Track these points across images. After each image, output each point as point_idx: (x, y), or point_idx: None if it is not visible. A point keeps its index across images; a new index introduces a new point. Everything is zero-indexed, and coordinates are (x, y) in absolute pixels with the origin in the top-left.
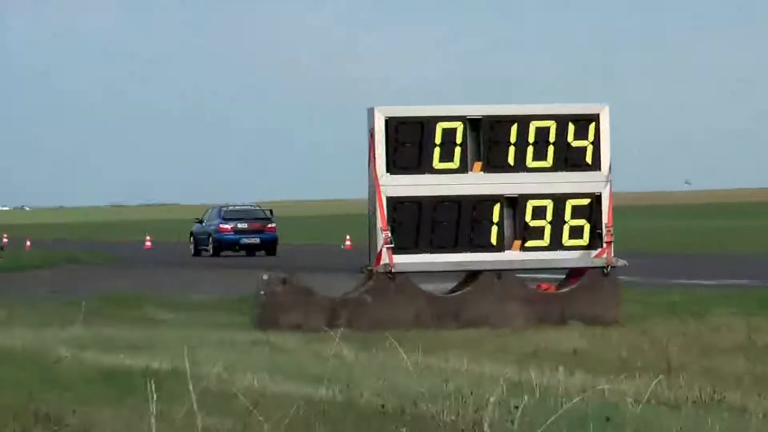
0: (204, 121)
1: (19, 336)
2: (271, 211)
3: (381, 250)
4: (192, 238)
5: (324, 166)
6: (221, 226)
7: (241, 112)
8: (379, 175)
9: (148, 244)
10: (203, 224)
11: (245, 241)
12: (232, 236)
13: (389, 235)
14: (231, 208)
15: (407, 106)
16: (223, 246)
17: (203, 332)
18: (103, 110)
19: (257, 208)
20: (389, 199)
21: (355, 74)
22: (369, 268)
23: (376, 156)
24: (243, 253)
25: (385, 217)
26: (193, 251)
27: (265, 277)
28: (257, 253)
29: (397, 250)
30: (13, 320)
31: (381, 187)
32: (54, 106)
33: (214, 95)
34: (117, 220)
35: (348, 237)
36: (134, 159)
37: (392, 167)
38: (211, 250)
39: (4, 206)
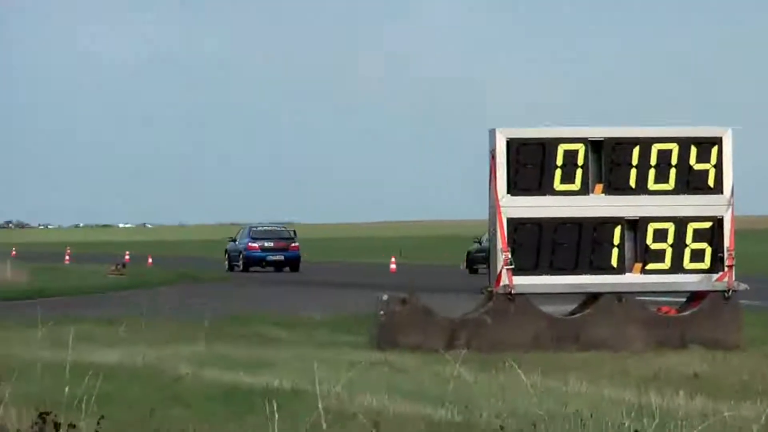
0: (321, 140)
1: (141, 353)
2: (294, 232)
3: (501, 271)
4: (227, 255)
5: (445, 187)
6: (250, 244)
7: (363, 133)
8: (500, 197)
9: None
10: (236, 242)
11: (271, 258)
12: (259, 254)
13: (509, 256)
14: (259, 228)
15: (529, 128)
16: (251, 262)
17: (321, 351)
18: (222, 128)
19: (283, 228)
20: (510, 221)
21: (476, 95)
22: (489, 289)
23: (497, 177)
24: (271, 269)
25: (506, 238)
26: (227, 267)
27: (384, 297)
28: (284, 269)
29: (517, 271)
30: (135, 337)
31: (501, 209)
32: (173, 127)
33: (333, 115)
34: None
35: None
36: (258, 178)
37: (513, 188)
38: (242, 266)
39: (127, 224)
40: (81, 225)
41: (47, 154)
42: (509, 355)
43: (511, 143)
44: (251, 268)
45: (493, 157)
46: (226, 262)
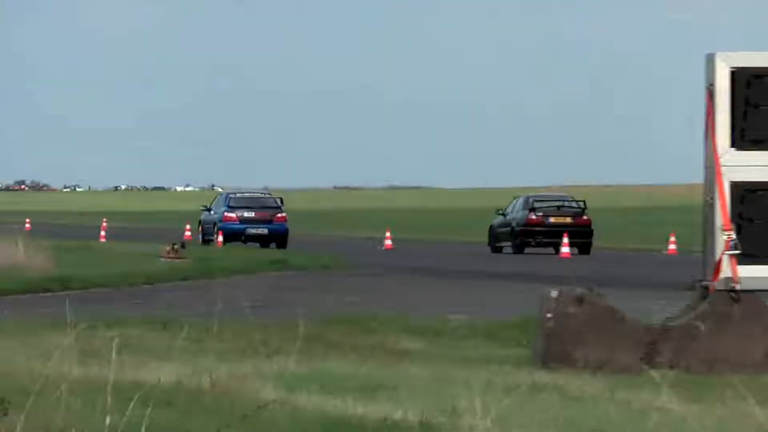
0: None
1: (208, 369)
2: (281, 199)
3: (720, 259)
4: (200, 227)
5: (644, 142)
6: (226, 214)
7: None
8: (719, 153)
9: (388, 243)
10: (211, 212)
11: (252, 231)
12: (237, 226)
13: (733, 237)
14: (238, 195)
15: (765, 51)
16: (229, 236)
17: (462, 369)
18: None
19: (267, 195)
20: (734, 186)
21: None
22: (703, 283)
23: (716, 124)
24: (256, 244)
25: (728, 211)
26: (201, 240)
27: (553, 294)
28: (270, 245)
29: (745, 259)
30: (200, 347)
31: (722, 169)
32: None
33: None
34: (346, 207)
35: (672, 238)
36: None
37: (740, 141)
38: (217, 241)
39: (188, 186)
40: (122, 187)
41: (74, 93)
42: (734, 378)
43: (737, 75)
44: (228, 243)
45: (710, 94)
46: (200, 236)
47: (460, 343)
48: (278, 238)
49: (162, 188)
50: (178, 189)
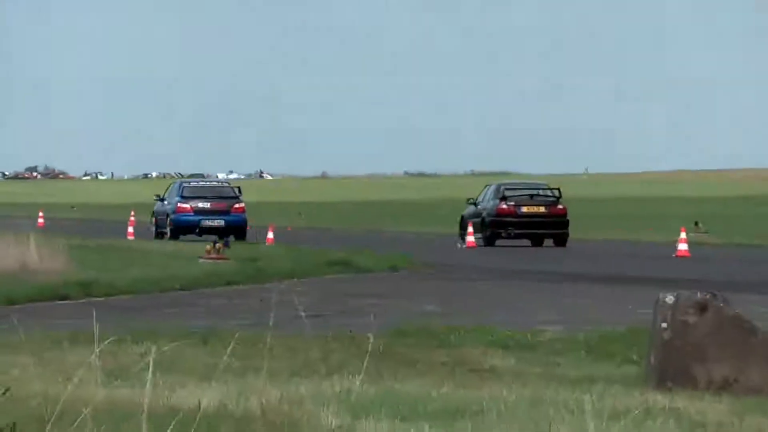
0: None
1: (257, 390)
2: (239, 189)
3: None
4: (153, 219)
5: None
6: (180, 205)
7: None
8: None
9: (471, 239)
10: (164, 202)
11: (207, 223)
12: (191, 217)
13: None
14: (192, 184)
15: None
16: (181, 229)
17: (560, 390)
18: None
19: (224, 184)
20: None
21: None
22: None
23: None
24: (214, 237)
25: None
26: (154, 234)
27: (668, 299)
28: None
29: None
30: (247, 364)
31: None
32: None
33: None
34: (419, 197)
35: None
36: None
37: None
38: (169, 233)
39: (231, 173)
40: (153, 175)
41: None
42: None
43: None
44: (182, 236)
45: None
46: (153, 228)
47: (557, 359)
48: (236, 230)
49: (201, 175)
50: (220, 176)
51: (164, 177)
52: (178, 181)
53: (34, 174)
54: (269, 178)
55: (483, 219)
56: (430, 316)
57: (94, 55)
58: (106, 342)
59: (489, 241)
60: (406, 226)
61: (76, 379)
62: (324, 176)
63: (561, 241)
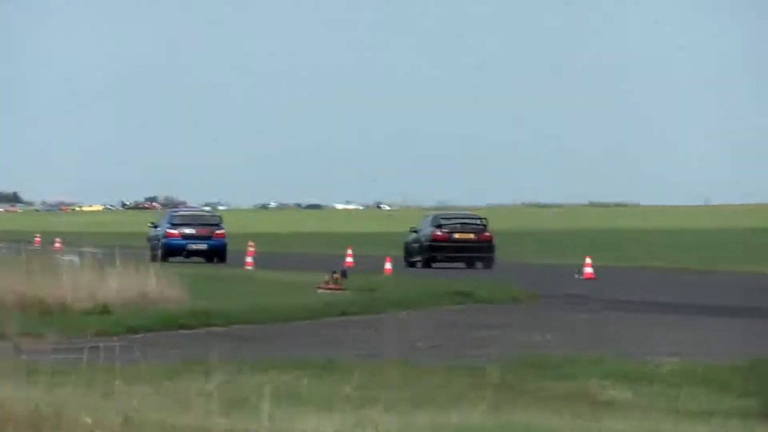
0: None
1: (377, 423)
2: (220, 217)
3: None
4: (149, 243)
5: None
6: (168, 231)
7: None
8: None
9: (589, 271)
10: (157, 229)
11: (192, 246)
12: (179, 242)
13: None
14: (180, 212)
15: None
16: (170, 251)
17: (679, 423)
18: None
19: (208, 213)
20: None
21: None
22: None
23: None
24: (201, 260)
25: None
26: (150, 257)
27: None
28: (214, 260)
29: None
30: (367, 395)
31: None
32: None
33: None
34: (535, 227)
35: None
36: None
37: None
38: (160, 256)
39: (350, 203)
40: (272, 204)
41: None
42: None
43: None
44: (171, 258)
45: None
46: (149, 252)
47: (675, 392)
48: (218, 253)
49: (317, 206)
50: (338, 207)
51: (283, 207)
52: (169, 210)
53: (154, 204)
54: (387, 208)
55: (421, 244)
56: (548, 347)
57: (213, 84)
58: (224, 372)
59: (427, 263)
60: (524, 257)
61: (195, 409)
62: (441, 204)
63: (488, 264)
